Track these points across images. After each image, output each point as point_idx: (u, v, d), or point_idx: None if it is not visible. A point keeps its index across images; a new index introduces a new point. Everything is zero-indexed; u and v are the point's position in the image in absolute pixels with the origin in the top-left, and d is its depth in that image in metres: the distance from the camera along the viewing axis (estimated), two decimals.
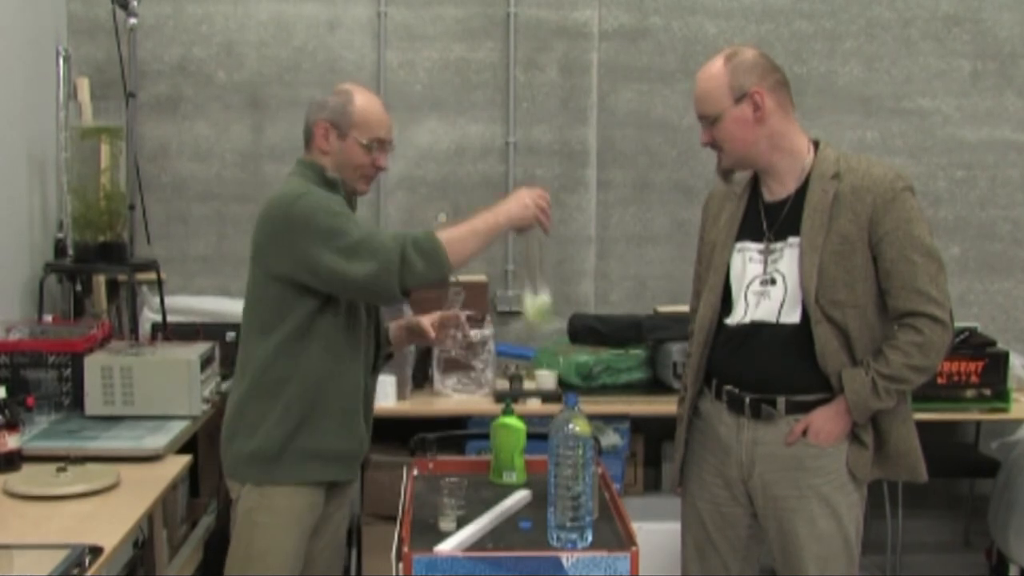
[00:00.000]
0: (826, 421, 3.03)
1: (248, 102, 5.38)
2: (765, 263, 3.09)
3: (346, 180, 3.18)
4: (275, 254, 3.04)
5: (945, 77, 5.54)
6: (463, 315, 3.32)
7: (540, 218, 3.04)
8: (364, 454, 3.27)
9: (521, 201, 3.02)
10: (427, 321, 3.36)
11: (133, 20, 4.94)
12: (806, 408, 3.05)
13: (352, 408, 3.16)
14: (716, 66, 3.06)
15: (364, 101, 3.16)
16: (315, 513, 3.17)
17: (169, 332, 4.73)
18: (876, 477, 3.12)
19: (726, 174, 3.16)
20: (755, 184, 3.19)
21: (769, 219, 3.11)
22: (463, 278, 5.25)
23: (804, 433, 3.04)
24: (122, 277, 4.97)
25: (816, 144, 3.13)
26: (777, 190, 3.12)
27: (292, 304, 3.05)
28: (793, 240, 3.04)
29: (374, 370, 3.32)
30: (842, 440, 3.05)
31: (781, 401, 3.06)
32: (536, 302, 3.21)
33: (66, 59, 4.92)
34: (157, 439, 3.64)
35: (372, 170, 3.18)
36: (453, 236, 2.97)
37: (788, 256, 3.04)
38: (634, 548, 2.73)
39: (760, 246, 3.11)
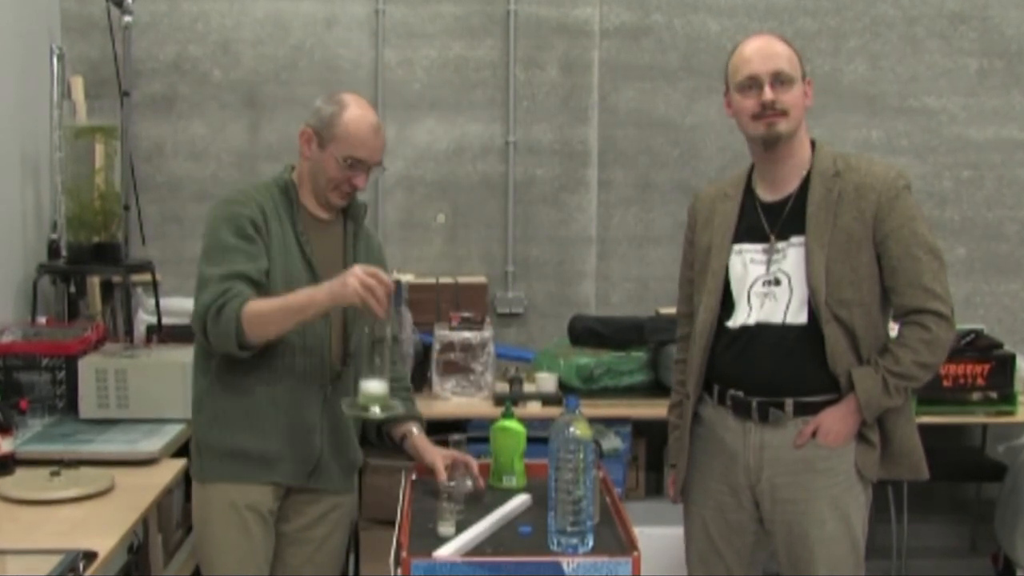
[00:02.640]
0: (836, 422, 3.01)
1: (244, 101, 5.37)
2: (768, 263, 3.07)
3: (318, 190, 3.12)
4: None
5: (951, 76, 5.53)
6: (474, 463, 3.18)
7: (365, 299, 2.82)
8: (298, 454, 3.14)
9: (343, 279, 2.86)
10: (440, 463, 3.17)
11: (128, 18, 4.94)
12: (814, 410, 3.03)
13: (260, 409, 3.09)
14: (781, 41, 3.10)
15: (353, 117, 3.07)
16: (255, 515, 3.11)
17: (164, 334, 4.74)
18: (880, 477, 3.10)
19: (775, 141, 3.05)
20: (749, 184, 3.17)
21: (770, 219, 3.10)
22: (463, 280, 5.26)
23: (813, 435, 3.03)
24: (117, 278, 4.95)
25: (812, 143, 3.13)
26: (776, 189, 3.11)
27: None
28: (797, 239, 3.03)
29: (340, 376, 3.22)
30: (851, 440, 3.04)
31: (789, 403, 3.04)
32: (367, 389, 3.01)
33: (60, 57, 4.87)
34: (152, 442, 3.65)
35: (347, 186, 3.10)
36: (258, 311, 2.89)
37: (793, 256, 3.03)
38: (636, 553, 2.71)
39: (762, 247, 3.09)
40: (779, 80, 3.02)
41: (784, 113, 3.02)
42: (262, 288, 2.99)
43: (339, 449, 3.21)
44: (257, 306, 2.90)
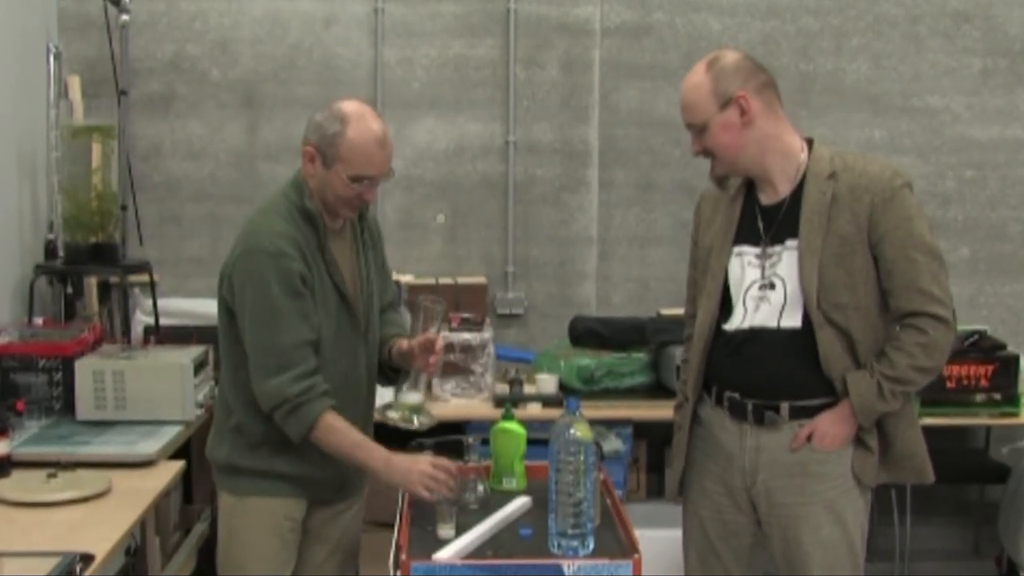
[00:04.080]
0: (831, 425, 2.98)
1: (242, 100, 5.36)
2: (763, 267, 3.05)
3: (327, 206, 3.05)
4: (230, 289, 3.05)
5: (954, 75, 5.51)
6: (440, 340, 3.15)
7: (422, 494, 2.93)
8: (332, 477, 3.16)
9: (409, 475, 2.94)
10: (412, 344, 3.18)
11: (125, 16, 4.96)
12: (810, 413, 3.01)
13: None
14: (698, 74, 3.02)
15: (357, 134, 2.96)
16: (291, 523, 3.13)
17: (162, 335, 4.73)
18: (883, 481, 3.08)
19: (720, 181, 3.14)
20: (750, 186, 3.15)
21: (766, 222, 3.07)
22: (462, 280, 5.25)
23: (809, 438, 3.00)
24: (114, 279, 4.96)
25: (810, 143, 3.09)
26: (772, 192, 3.08)
27: None
28: (791, 243, 3.00)
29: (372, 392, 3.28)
30: (847, 445, 3.01)
31: (784, 407, 3.02)
32: (407, 400, 3.18)
33: (57, 56, 4.89)
34: (149, 444, 3.64)
35: (357, 201, 3.04)
36: (328, 437, 2.96)
37: (787, 260, 3.01)
38: (636, 555, 2.71)
39: (758, 250, 3.07)
40: (692, 131, 3.04)
41: (712, 155, 3.04)
42: (317, 344, 3.00)
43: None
44: (330, 428, 2.95)
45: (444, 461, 2.96)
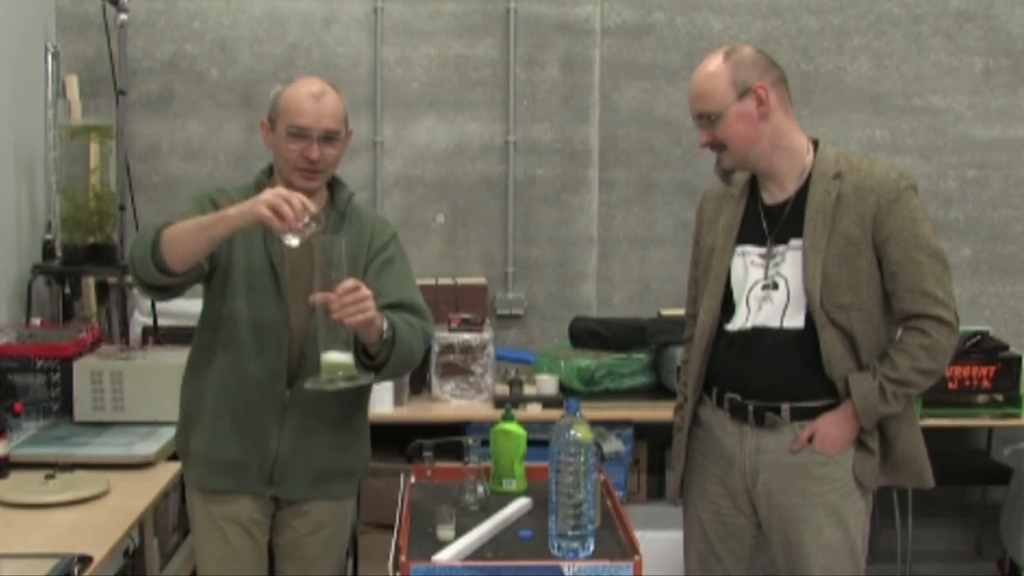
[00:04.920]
0: (832, 427, 2.98)
1: (241, 100, 5.35)
2: (767, 267, 3.05)
3: (285, 178, 3.05)
4: None
5: (956, 74, 5.49)
6: (351, 281, 2.81)
7: (277, 209, 2.69)
8: (239, 457, 3.07)
9: (255, 200, 2.76)
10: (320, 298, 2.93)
11: (123, 16, 4.92)
12: (811, 415, 3.00)
13: (221, 412, 3.06)
14: (715, 62, 3.02)
15: (292, 89, 3.03)
16: (237, 523, 3.08)
17: (160, 336, 4.72)
18: (883, 484, 3.08)
19: (726, 175, 3.12)
20: (754, 186, 3.15)
21: (770, 222, 3.07)
22: (462, 281, 5.24)
23: (810, 440, 3.00)
24: (112, 279, 4.96)
25: (815, 144, 3.09)
26: (777, 192, 3.08)
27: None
28: (795, 243, 3.00)
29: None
30: (848, 447, 3.01)
31: (785, 408, 3.01)
32: (328, 359, 2.85)
33: (55, 56, 4.89)
34: (148, 445, 3.66)
35: (302, 161, 3.01)
36: (175, 227, 2.83)
37: (790, 259, 3.00)
38: (637, 557, 2.72)
39: (761, 250, 3.07)
40: (703, 121, 3.03)
41: (723, 146, 3.02)
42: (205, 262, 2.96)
43: (305, 457, 3.10)
44: (175, 225, 2.83)
45: (292, 192, 2.76)
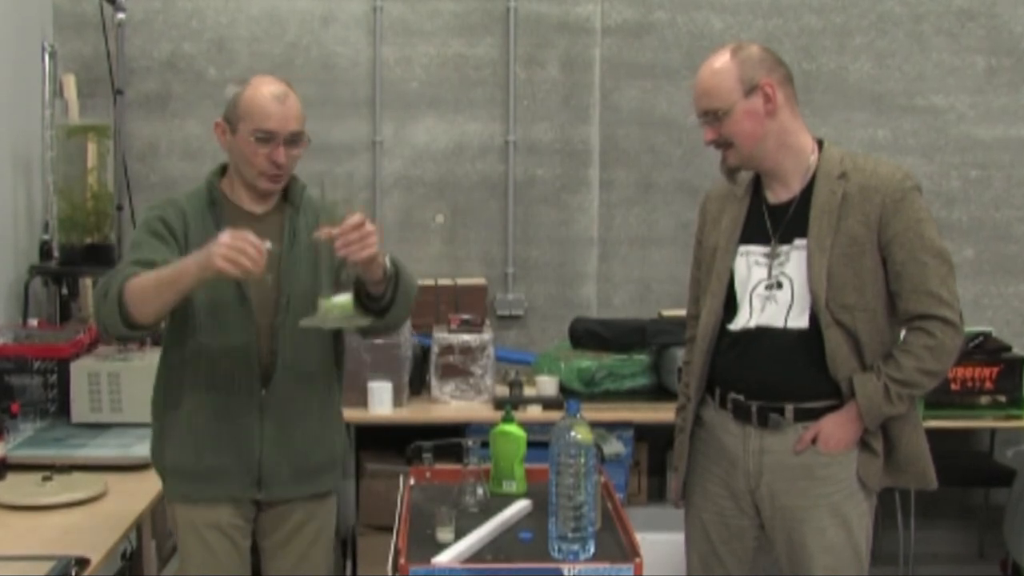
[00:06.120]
0: (836, 428, 2.97)
1: None
2: (771, 266, 3.04)
3: (247, 181, 3.02)
4: None
5: (959, 73, 5.48)
6: (358, 215, 2.77)
7: (236, 265, 2.64)
8: (219, 465, 3.04)
9: (208, 248, 2.71)
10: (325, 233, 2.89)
11: (121, 15, 4.94)
12: (815, 415, 2.99)
13: (197, 422, 3.03)
14: (722, 59, 3.02)
15: (253, 92, 2.96)
16: (218, 530, 3.05)
17: (157, 337, 4.56)
18: (886, 485, 3.07)
19: (732, 172, 3.11)
20: (757, 185, 3.14)
21: (774, 221, 3.06)
22: (462, 281, 5.23)
23: (813, 441, 2.99)
24: None
25: (820, 144, 3.08)
26: (781, 191, 3.07)
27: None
28: (800, 242, 2.99)
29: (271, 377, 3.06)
30: (852, 447, 3.00)
31: (789, 409, 3.00)
32: (332, 301, 2.85)
33: (52, 55, 4.89)
34: (146, 447, 3.53)
35: (270, 166, 2.97)
36: (138, 284, 2.79)
37: (795, 259, 3.00)
38: (638, 559, 2.72)
39: (765, 249, 3.06)
40: (710, 117, 3.01)
41: (729, 144, 3.00)
42: None
43: (288, 454, 3.07)
44: (137, 281, 2.78)
45: (244, 232, 2.70)
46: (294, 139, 2.97)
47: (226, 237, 2.67)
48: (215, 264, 2.64)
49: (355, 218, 2.72)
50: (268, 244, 2.70)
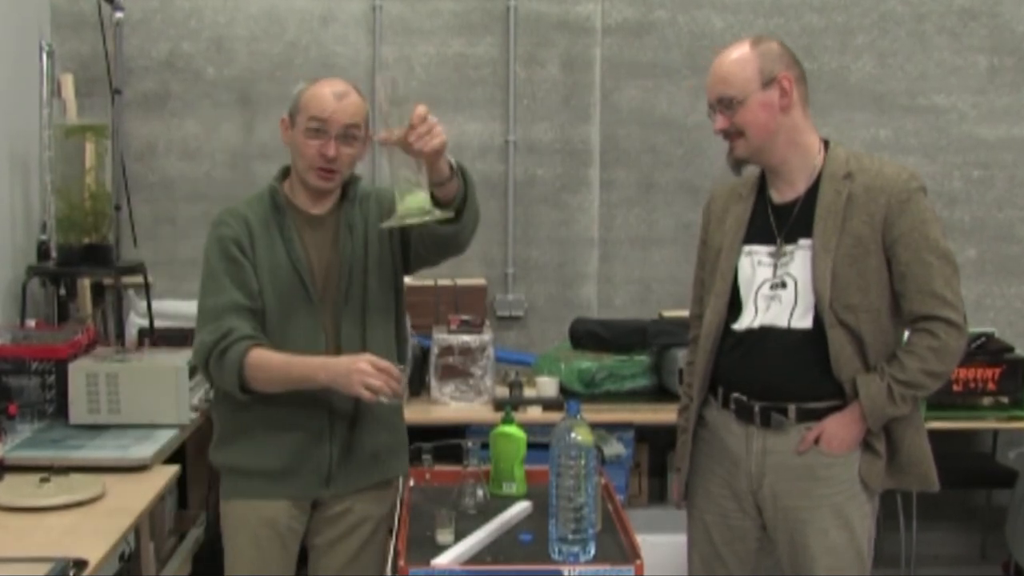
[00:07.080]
0: (839, 428, 2.97)
1: (238, 99, 5.33)
2: (775, 266, 3.04)
3: (303, 178, 3.05)
4: None
5: (961, 73, 5.48)
6: (421, 108, 2.76)
7: (363, 394, 2.81)
8: (293, 466, 3.08)
9: (348, 372, 2.80)
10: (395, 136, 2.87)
11: (119, 14, 4.92)
12: (818, 416, 3.00)
13: (259, 427, 3.06)
14: (742, 49, 3.02)
15: (318, 86, 3.03)
16: (268, 531, 3.08)
17: (156, 338, 4.71)
18: (888, 487, 3.07)
19: (737, 164, 3.11)
20: (762, 185, 3.14)
21: (779, 221, 3.06)
22: (461, 282, 5.21)
23: (816, 441, 2.99)
24: (108, 280, 4.95)
25: (826, 144, 3.08)
26: (786, 191, 3.07)
27: None
28: (804, 242, 2.99)
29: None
30: (855, 448, 3.00)
31: (792, 409, 3.00)
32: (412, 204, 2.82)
33: (49, 54, 4.85)
34: (144, 449, 3.62)
35: (320, 160, 2.98)
36: (260, 366, 2.89)
37: (800, 259, 2.99)
38: (638, 561, 2.73)
39: (770, 249, 3.06)
40: (723, 105, 3.00)
41: (740, 134, 3.00)
42: (257, 311, 2.98)
43: (356, 451, 3.11)
44: (260, 359, 2.89)
45: (383, 361, 2.82)
46: (348, 134, 2.99)
47: (366, 365, 2.78)
48: (355, 391, 2.80)
49: (421, 109, 2.72)
50: (396, 370, 2.83)
